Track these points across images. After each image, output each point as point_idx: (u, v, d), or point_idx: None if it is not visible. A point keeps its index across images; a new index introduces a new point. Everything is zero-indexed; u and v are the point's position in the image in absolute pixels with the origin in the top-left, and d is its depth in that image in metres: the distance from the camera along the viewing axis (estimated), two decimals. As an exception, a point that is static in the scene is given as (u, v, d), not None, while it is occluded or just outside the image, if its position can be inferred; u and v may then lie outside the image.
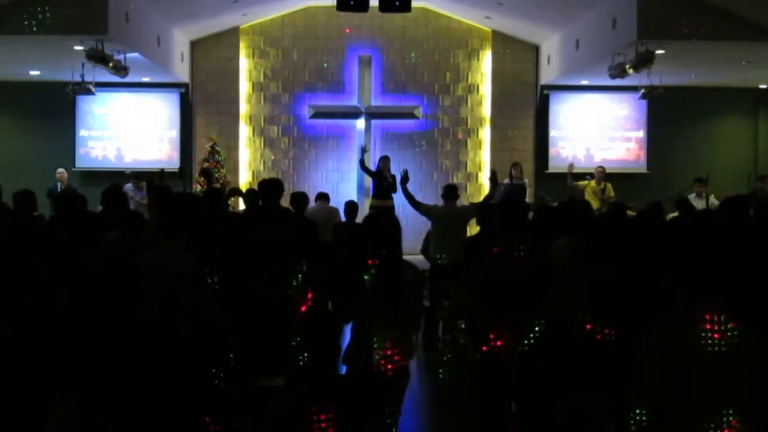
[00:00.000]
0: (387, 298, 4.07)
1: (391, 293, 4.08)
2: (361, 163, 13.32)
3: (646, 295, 4.26)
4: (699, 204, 11.01)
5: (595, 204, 11.60)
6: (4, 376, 3.24)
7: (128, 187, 11.40)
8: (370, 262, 4.15)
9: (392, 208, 12.86)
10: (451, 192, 9.02)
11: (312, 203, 10.07)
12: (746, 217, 5.60)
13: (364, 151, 13.16)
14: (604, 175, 12.50)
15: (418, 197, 9.01)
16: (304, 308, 3.99)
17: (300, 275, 3.97)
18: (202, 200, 7.08)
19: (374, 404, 4.06)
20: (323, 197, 10.64)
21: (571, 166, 13.03)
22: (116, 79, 11.77)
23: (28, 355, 3.24)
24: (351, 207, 9.79)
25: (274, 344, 3.79)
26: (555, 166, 14.80)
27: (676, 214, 8.99)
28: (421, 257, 9.01)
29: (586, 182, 12.47)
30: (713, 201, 11.60)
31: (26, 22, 10.17)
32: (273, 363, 3.79)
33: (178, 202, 5.34)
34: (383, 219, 4.38)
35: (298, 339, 3.92)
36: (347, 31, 14.81)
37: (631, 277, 4.46)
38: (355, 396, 4.00)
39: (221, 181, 13.73)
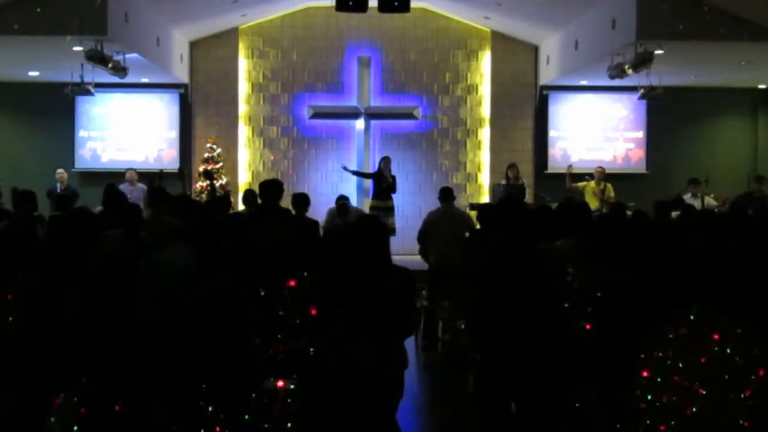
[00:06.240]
0: (369, 305, 3.93)
1: (373, 301, 3.94)
2: (354, 172, 13.58)
3: (647, 296, 4.26)
4: (695, 204, 11.02)
5: (595, 204, 11.62)
6: (9, 373, 3.24)
7: (124, 187, 11.42)
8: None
9: (392, 208, 12.92)
10: (447, 194, 9.02)
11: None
12: (747, 218, 5.61)
13: (345, 169, 13.59)
14: (604, 176, 12.52)
15: (418, 197, 9.01)
16: (314, 311, 3.96)
17: (306, 276, 3.97)
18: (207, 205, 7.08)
19: (364, 415, 3.94)
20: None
21: (569, 167, 13.06)
22: (115, 79, 11.76)
23: (32, 353, 3.24)
24: (342, 208, 9.82)
25: (280, 346, 3.79)
26: (554, 166, 14.80)
27: (677, 213, 8.99)
28: (416, 258, 9.01)
29: (585, 183, 12.49)
30: (709, 201, 11.59)
31: (26, 22, 10.15)
32: (280, 365, 3.79)
33: (178, 203, 5.34)
34: (365, 226, 4.21)
35: (306, 342, 3.91)
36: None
37: (632, 277, 4.46)
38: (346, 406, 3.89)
39: (220, 183, 13.75)
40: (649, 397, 2.98)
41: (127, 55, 11.35)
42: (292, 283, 4.00)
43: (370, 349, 3.90)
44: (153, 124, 14.80)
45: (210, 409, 3.47)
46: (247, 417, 3.64)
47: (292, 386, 3.93)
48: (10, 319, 3.41)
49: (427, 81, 15.01)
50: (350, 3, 11.27)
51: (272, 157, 14.97)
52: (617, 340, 4.26)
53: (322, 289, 4.13)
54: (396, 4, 11.43)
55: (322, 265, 4.32)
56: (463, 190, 14.71)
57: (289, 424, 3.86)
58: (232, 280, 3.88)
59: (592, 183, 12.42)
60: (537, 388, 4.47)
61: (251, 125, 15.00)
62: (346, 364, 3.88)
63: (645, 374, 3.00)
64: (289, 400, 3.87)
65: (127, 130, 14.76)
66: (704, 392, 2.90)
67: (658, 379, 2.95)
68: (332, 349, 3.97)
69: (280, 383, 3.86)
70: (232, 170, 14.67)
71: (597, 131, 15.12)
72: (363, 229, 4.12)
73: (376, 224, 4.25)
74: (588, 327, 4.52)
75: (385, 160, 13.04)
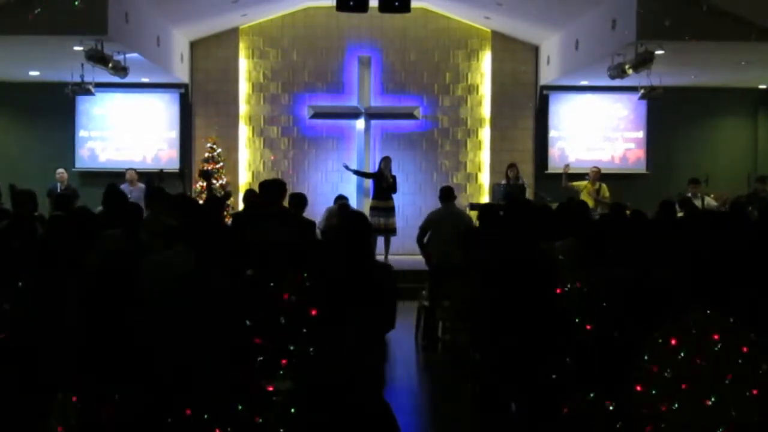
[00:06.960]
0: (357, 298, 4.02)
1: (361, 293, 4.04)
2: (355, 172, 13.63)
3: (647, 296, 4.26)
4: (695, 204, 11.02)
5: (590, 204, 11.63)
6: (9, 373, 3.25)
7: (124, 187, 11.44)
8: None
9: (392, 208, 12.93)
10: (448, 194, 9.03)
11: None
12: (747, 218, 5.60)
13: (347, 168, 13.65)
14: (599, 176, 12.54)
15: (418, 197, 9.02)
16: (314, 312, 3.98)
17: (308, 276, 3.99)
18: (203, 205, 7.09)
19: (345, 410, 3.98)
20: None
21: (566, 167, 13.06)
22: (116, 79, 11.76)
23: (32, 354, 3.25)
24: (343, 208, 9.81)
25: (283, 346, 3.80)
26: (554, 166, 14.79)
27: (680, 214, 9.00)
28: (416, 258, 9.01)
29: (585, 182, 12.50)
30: (709, 201, 11.60)
31: (26, 22, 10.15)
32: (281, 365, 3.80)
33: (177, 203, 5.34)
34: (354, 221, 4.37)
35: (307, 342, 3.92)
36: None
37: (632, 277, 4.46)
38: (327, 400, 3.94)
39: (220, 183, 13.76)
40: (645, 406, 2.97)
41: (128, 55, 11.35)
42: (297, 279, 4.04)
43: (353, 339, 3.96)
44: (153, 124, 14.79)
45: (210, 409, 3.47)
46: (245, 416, 3.64)
47: (291, 387, 3.93)
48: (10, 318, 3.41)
49: (427, 81, 15.01)
50: (351, 3, 11.28)
51: (272, 157, 14.98)
52: (617, 340, 4.26)
53: (320, 291, 4.17)
54: (396, 4, 11.43)
55: (321, 266, 4.35)
56: (463, 190, 14.71)
57: (288, 423, 3.86)
58: (231, 280, 3.88)
59: (588, 183, 12.43)
60: (537, 388, 4.47)
61: (251, 125, 15.00)
62: (330, 350, 3.95)
63: (639, 389, 2.99)
64: (278, 398, 3.87)
65: (127, 130, 14.76)
66: (709, 403, 2.88)
67: (653, 392, 2.95)
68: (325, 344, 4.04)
69: (280, 384, 3.86)
70: (233, 170, 14.68)
71: (597, 131, 15.12)
72: (359, 227, 4.22)
73: (367, 222, 4.43)
74: (588, 327, 4.52)
75: (386, 160, 13.06)
